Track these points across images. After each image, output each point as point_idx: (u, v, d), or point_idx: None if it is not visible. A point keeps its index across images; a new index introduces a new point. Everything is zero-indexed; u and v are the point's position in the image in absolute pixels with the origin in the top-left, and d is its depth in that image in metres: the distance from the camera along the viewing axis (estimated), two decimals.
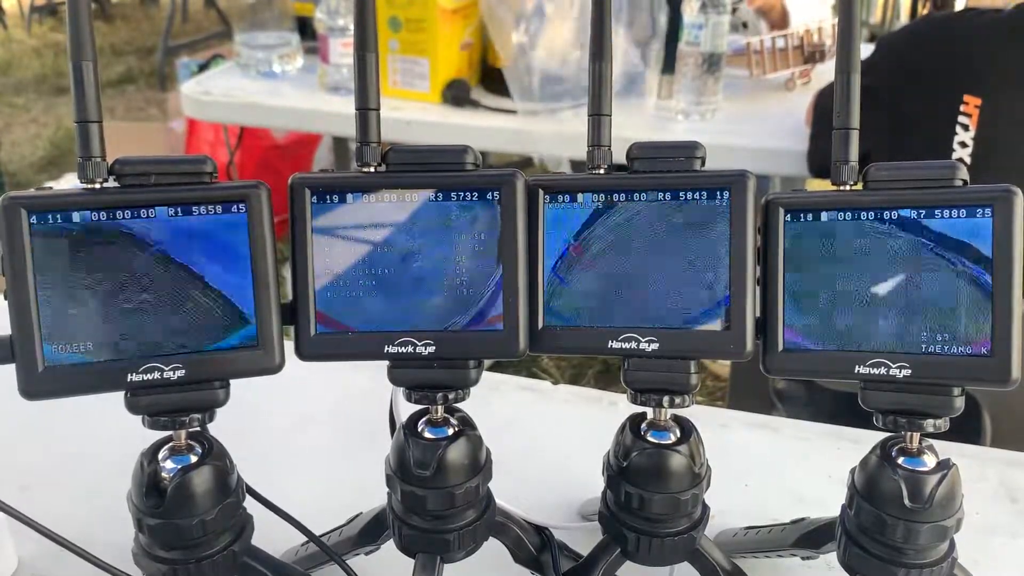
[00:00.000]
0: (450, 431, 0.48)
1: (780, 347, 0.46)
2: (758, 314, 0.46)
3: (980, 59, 1.11)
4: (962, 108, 1.08)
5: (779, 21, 1.74)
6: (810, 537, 0.54)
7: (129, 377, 0.43)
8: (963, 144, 1.09)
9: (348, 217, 0.46)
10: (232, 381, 0.45)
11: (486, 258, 0.46)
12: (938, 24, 1.23)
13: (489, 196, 0.45)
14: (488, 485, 0.50)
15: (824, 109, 1.33)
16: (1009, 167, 1.09)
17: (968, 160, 1.09)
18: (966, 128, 1.08)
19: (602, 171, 0.47)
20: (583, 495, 0.65)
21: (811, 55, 1.70)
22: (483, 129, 1.58)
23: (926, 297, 0.44)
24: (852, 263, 0.45)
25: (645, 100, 1.59)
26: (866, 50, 1.21)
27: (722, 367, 2.09)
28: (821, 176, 1.37)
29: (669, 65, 1.59)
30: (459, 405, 0.48)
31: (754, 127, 1.54)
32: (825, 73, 1.70)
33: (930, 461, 0.45)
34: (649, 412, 0.49)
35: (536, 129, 1.54)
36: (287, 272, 0.46)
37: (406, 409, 0.49)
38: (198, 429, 0.45)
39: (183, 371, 0.43)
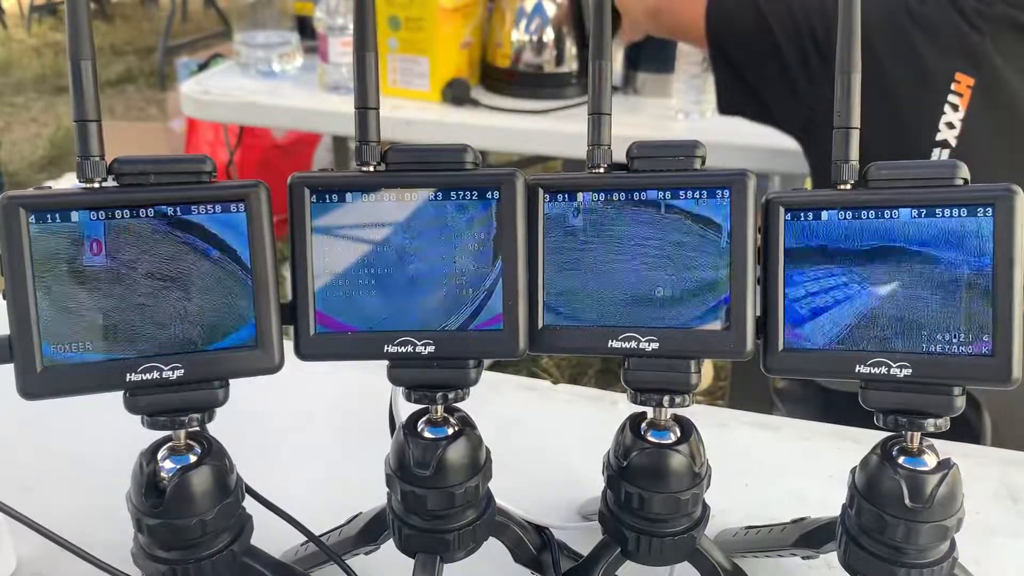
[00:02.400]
0: (450, 431, 0.48)
1: (780, 346, 0.46)
2: (758, 313, 0.46)
3: (972, 37, 1.06)
4: (954, 87, 1.05)
5: None
6: (811, 537, 0.54)
7: (128, 377, 0.43)
8: (950, 125, 1.06)
9: (347, 217, 0.46)
10: (231, 381, 0.45)
11: (486, 257, 0.46)
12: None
13: (488, 195, 0.45)
14: (488, 485, 0.50)
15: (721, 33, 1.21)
16: (998, 152, 1.05)
17: (953, 143, 1.05)
18: (955, 108, 1.04)
19: (602, 170, 0.47)
20: (583, 495, 0.64)
21: None
22: (483, 128, 1.58)
23: (927, 296, 0.44)
24: (852, 263, 0.45)
25: None
26: None
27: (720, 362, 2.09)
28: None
29: (669, 64, 1.59)
30: (459, 405, 0.48)
31: (754, 126, 1.53)
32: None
33: (931, 461, 0.45)
34: (649, 412, 0.49)
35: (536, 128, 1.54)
36: (287, 272, 0.46)
37: (406, 409, 0.49)
38: (197, 429, 0.45)
39: (182, 371, 0.43)
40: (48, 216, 0.41)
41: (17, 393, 0.42)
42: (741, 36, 1.18)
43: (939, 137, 1.05)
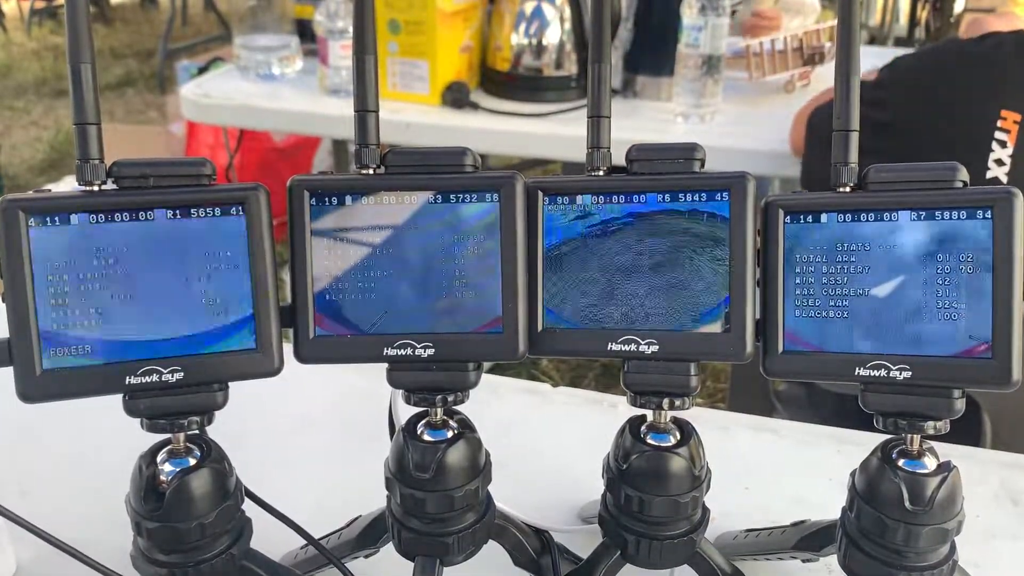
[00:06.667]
0: (449, 433, 0.48)
1: (780, 349, 0.46)
2: (758, 316, 0.46)
3: (1017, 75, 1.09)
4: (1000, 124, 1.06)
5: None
6: (810, 539, 0.54)
7: (127, 380, 0.43)
8: (999, 162, 1.07)
9: (347, 219, 0.46)
10: (231, 384, 0.45)
11: (485, 260, 0.46)
12: (963, 47, 1.19)
13: (488, 198, 0.45)
14: (488, 488, 0.50)
15: (818, 129, 1.31)
16: None
17: (1004, 179, 1.08)
18: (1003, 145, 1.05)
19: (601, 173, 0.47)
20: (583, 498, 0.64)
21: (811, 57, 1.71)
22: (482, 131, 1.58)
23: (925, 299, 0.44)
24: (852, 265, 0.45)
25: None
26: (866, 54, 1.20)
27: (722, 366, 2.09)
28: None
29: (668, 67, 1.60)
30: (458, 407, 0.48)
31: (753, 129, 1.54)
32: (825, 75, 1.70)
33: (931, 463, 0.45)
34: (649, 414, 0.49)
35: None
36: (286, 275, 0.46)
37: (405, 411, 0.49)
38: (196, 432, 0.45)
39: (181, 374, 0.43)
40: (48, 219, 0.41)
41: (16, 396, 0.42)
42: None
43: (989, 175, 1.06)
